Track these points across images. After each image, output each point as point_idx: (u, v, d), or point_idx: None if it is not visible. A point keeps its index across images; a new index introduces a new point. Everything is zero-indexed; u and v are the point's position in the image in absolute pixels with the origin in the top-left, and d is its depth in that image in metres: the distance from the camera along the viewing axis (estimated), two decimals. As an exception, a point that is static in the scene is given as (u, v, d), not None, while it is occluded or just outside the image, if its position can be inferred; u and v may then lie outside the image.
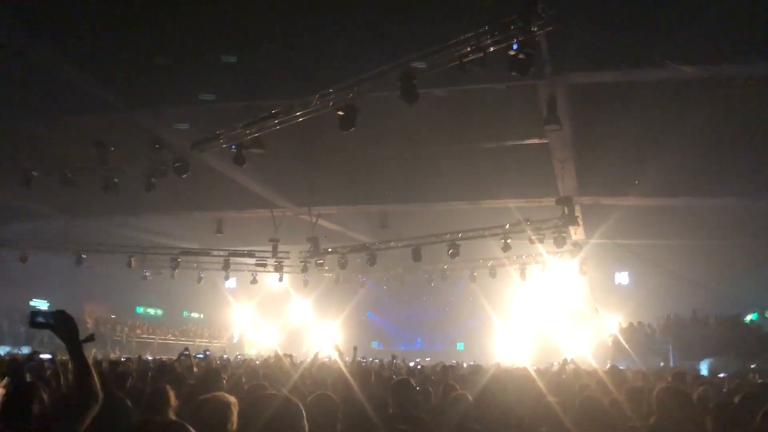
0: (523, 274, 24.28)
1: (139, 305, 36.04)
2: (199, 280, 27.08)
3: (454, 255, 20.54)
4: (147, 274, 26.33)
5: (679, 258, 23.56)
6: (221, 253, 24.55)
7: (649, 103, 13.27)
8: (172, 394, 5.09)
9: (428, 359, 27.03)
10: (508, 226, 19.19)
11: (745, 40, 10.36)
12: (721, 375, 14.12)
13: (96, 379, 3.07)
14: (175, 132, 14.56)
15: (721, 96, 12.48)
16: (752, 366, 15.60)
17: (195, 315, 38.60)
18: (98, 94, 13.15)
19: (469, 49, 9.14)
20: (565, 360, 15.01)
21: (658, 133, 14.14)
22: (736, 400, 6.31)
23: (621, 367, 12.25)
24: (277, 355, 14.52)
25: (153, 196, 15.29)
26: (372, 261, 22.67)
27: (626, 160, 15.29)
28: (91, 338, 3.28)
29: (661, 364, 18.37)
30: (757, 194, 17.01)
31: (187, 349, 11.51)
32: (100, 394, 3.06)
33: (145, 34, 11.22)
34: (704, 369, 17.19)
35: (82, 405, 2.99)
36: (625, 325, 23.43)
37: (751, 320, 22.68)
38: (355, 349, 8.47)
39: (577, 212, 18.18)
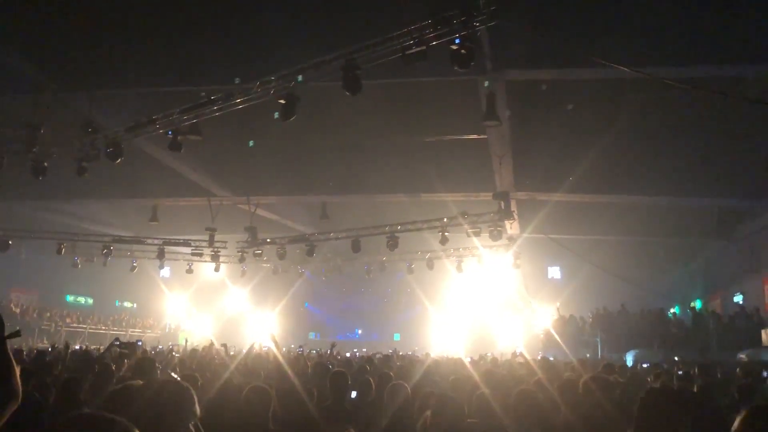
0: (459, 267, 24.70)
1: (69, 293, 34.91)
2: (133, 268, 26.41)
3: (392, 247, 20.65)
4: (77, 261, 25.43)
5: (609, 253, 24.37)
6: (155, 241, 24.01)
7: (584, 102, 13.67)
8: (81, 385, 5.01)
9: (365, 350, 27.19)
10: (446, 219, 19.45)
11: (677, 43, 10.80)
12: (644, 365, 14.73)
13: (18, 377, 2.99)
14: (109, 116, 14.09)
15: (652, 97, 12.97)
16: (675, 358, 16.25)
17: (128, 304, 37.65)
18: (28, 74, 12.62)
19: (411, 41, 9.19)
20: (514, 353, 15.44)
21: (591, 132, 14.56)
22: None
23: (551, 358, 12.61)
24: (211, 345, 14.27)
25: (85, 182, 14.74)
26: (311, 252, 22.58)
27: (561, 157, 15.72)
28: (17, 334, 3.18)
29: (587, 355, 18.97)
30: (681, 194, 17.77)
31: (118, 338, 11.16)
32: (20, 394, 2.98)
33: (81, 14, 10.83)
34: (629, 360, 17.83)
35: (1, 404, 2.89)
36: (556, 318, 24.07)
37: (673, 314, 23.67)
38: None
39: (513, 207, 18.56)
